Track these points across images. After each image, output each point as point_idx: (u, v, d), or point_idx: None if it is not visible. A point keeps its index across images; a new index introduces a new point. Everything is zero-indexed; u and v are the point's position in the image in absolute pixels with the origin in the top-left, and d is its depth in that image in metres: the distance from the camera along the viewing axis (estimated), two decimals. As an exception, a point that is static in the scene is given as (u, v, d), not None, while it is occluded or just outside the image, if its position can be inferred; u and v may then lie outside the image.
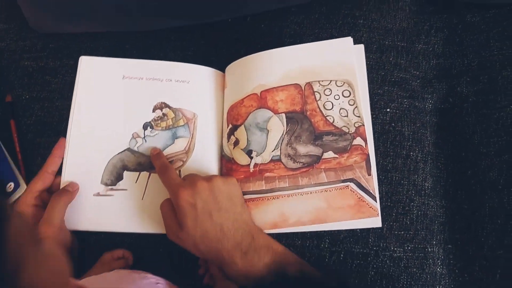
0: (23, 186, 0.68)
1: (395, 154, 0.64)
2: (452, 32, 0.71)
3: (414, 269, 0.60)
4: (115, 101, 0.66)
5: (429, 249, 0.61)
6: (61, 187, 0.62)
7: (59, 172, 0.63)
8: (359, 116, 0.61)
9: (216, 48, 0.74)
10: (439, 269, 0.61)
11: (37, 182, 0.61)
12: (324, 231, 0.60)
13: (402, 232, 0.61)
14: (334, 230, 0.60)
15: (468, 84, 0.67)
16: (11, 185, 0.67)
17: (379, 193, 0.61)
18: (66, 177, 0.63)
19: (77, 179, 0.63)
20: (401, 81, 0.68)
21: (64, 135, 0.65)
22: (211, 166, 0.64)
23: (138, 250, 0.64)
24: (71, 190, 0.60)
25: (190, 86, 0.67)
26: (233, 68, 0.68)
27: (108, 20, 0.75)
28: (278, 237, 0.60)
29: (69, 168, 0.63)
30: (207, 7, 0.73)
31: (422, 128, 0.66)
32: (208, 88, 0.68)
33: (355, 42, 0.69)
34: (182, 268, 0.63)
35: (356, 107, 0.61)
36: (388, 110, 0.66)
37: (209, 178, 0.55)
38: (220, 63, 0.70)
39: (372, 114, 0.64)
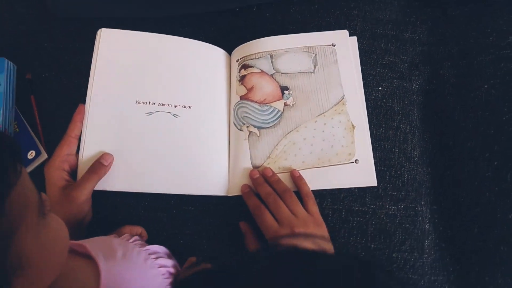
0: (44, 154, 0.73)
1: (386, 126, 0.72)
2: (435, 24, 0.80)
3: (407, 225, 0.67)
4: (134, 71, 0.73)
5: (419, 209, 0.69)
6: (82, 148, 0.67)
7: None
8: None
9: (225, 34, 0.82)
10: (427, 226, 0.69)
11: (63, 147, 0.66)
12: (326, 190, 0.68)
13: (395, 193, 0.69)
14: (335, 190, 0.68)
15: (449, 68, 0.77)
16: (32, 153, 0.72)
17: (373, 158, 0.69)
18: (87, 141, 0.68)
19: (98, 142, 0.68)
20: (391, 64, 0.77)
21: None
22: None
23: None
24: (105, 165, 0.65)
25: None
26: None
27: (123, 6, 0.81)
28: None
29: (89, 132, 0.68)
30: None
31: (410, 105, 0.75)
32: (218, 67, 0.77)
33: (350, 30, 0.78)
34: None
35: None
36: (380, 88, 0.75)
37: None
38: (228, 47, 0.78)
39: (365, 92, 0.73)
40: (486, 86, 0.73)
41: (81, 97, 0.73)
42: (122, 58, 0.74)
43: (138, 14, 0.83)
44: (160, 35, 0.76)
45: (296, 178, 0.67)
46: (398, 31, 0.80)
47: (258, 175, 0.67)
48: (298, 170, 0.67)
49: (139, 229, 0.67)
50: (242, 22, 0.82)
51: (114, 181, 0.67)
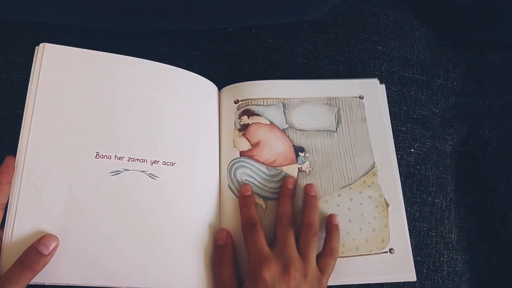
0: None
1: (421, 201, 0.57)
2: (471, 69, 0.66)
3: (448, 338, 0.52)
4: (93, 109, 0.51)
5: (460, 312, 0.54)
6: (9, 224, 0.45)
7: None
8: None
9: (213, 61, 0.62)
10: (469, 335, 0.54)
11: None
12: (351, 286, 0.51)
13: (435, 293, 0.53)
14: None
15: (491, 127, 0.63)
16: None
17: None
18: (19, 213, 0.46)
19: (36, 214, 0.46)
20: (423, 118, 0.61)
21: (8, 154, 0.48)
22: None
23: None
24: (46, 254, 0.43)
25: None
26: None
27: (77, 10, 0.59)
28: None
29: (23, 199, 0.46)
30: (199, 8, 0.60)
31: (444, 172, 0.60)
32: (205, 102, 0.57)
33: (375, 71, 0.62)
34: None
35: None
36: (412, 150, 0.59)
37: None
38: (217, 80, 0.58)
39: (397, 154, 0.57)
40: (538, 155, 0.60)
41: (7, 138, 0.52)
42: (76, 89, 0.51)
43: (93, 25, 0.61)
44: (131, 58, 0.54)
45: (331, 226, 0.51)
46: (429, 76, 0.64)
47: (292, 187, 0.53)
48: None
49: None
50: (237, 48, 0.63)
51: (59, 270, 0.45)
